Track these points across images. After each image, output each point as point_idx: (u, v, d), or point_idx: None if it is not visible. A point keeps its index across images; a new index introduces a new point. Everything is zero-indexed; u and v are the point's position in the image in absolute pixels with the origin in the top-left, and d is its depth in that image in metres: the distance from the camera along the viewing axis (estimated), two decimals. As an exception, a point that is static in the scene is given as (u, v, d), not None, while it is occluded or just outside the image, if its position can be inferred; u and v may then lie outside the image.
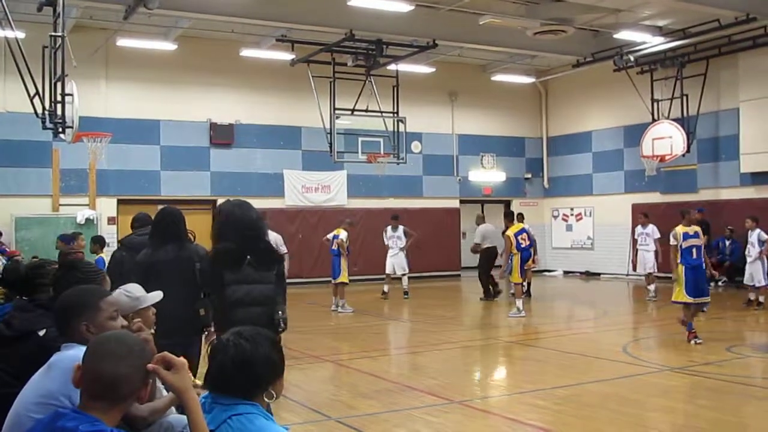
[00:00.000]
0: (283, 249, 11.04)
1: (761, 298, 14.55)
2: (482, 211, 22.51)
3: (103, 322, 3.12)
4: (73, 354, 2.96)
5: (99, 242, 11.59)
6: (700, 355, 10.07)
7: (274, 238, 10.90)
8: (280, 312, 5.44)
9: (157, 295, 4.16)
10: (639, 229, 17.37)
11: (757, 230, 14.56)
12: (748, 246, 14.74)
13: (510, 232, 14.59)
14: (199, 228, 22.97)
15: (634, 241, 17.66)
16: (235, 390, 2.63)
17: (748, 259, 14.69)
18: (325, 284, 16.49)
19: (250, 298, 5.21)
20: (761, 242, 14.41)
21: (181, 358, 2.55)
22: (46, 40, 12.02)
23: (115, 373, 2.35)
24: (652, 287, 16.68)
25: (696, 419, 7.06)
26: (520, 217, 15.52)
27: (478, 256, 17.72)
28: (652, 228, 16.95)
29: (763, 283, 14.40)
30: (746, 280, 14.82)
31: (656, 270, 16.87)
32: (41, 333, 3.63)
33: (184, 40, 19.10)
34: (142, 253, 5.84)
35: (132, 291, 4.01)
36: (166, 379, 2.49)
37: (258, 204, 20.04)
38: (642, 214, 17.84)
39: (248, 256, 5.27)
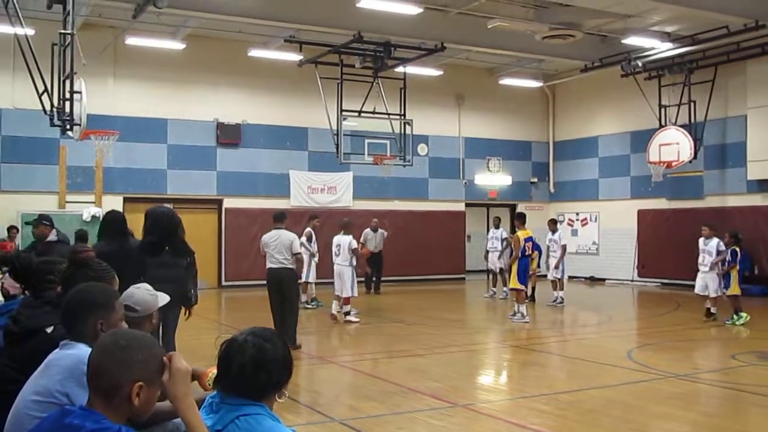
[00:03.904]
0: (299, 248, 11.10)
1: (713, 309, 13.93)
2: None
3: (115, 322, 3.13)
4: (72, 353, 2.97)
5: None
6: (705, 362, 10.06)
7: (293, 237, 10.98)
8: (192, 290, 7.30)
9: (166, 297, 4.20)
10: (549, 235, 17.32)
11: (715, 240, 13.95)
12: (703, 255, 14.01)
13: (521, 235, 14.47)
14: (204, 227, 22.91)
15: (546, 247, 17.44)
16: (252, 390, 2.62)
17: (702, 269, 14.01)
18: (329, 285, 16.46)
19: (164, 277, 6.54)
20: (718, 252, 13.79)
21: (185, 366, 2.51)
22: (56, 37, 12.04)
23: (117, 371, 2.33)
24: (560, 293, 16.80)
25: (699, 427, 7.04)
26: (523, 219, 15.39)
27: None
28: (559, 234, 17.13)
29: (717, 294, 13.82)
30: (699, 289, 14.07)
31: (563, 276, 16.96)
32: (49, 330, 3.63)
33: (193, 40, 19.15)
34: (93, 246, 7.29)
35: (150, 290, 4.02)
36: (164, 382, 2.46)
37: (263, 204, 19.93)
38: (551, 221, 17.83)
39: (166, 247, 6.97)
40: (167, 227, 7.07)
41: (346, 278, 14.26)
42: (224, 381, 2.66)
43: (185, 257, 7.24)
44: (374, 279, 19.27)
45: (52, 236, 9.44)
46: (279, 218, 11.21)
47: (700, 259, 14.11)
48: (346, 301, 14.32)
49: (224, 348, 2.70)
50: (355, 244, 14.52)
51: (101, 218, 7.40)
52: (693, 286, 14.35)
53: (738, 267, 13.96)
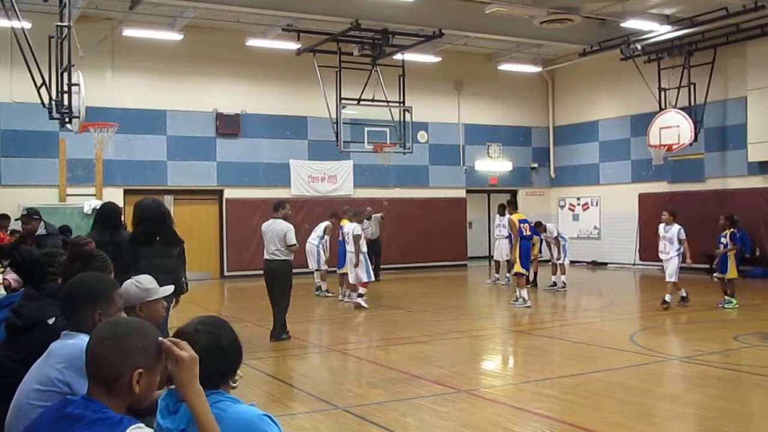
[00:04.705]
0: (293, 240, 10.91)
1: (668, 297, 13.29)
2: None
3: (114, 313, 3.13)
4: (73, 342, 2.97)
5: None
6: (707, 344, 10.07)
7: (286, 228, 10.87)
8: (183, 278, 7.38)
9: (168, 289, 4.17)
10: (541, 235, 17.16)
11: (676, 226, 13.42)
12: (664, 242, 13.51)
13: (514, 218, 14.59)
14: (205, 218, 22.86)
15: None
16: (210, 379, 2.56)
17: (663, 257, 13.53)
18: (331, 274, 16.51)
19: (158, 266, 6.44)
20: (680, 241, 13.28)
21: (190, 353, 2.49)
22: (53, 30, 12.02)
23: (116, 359, 2.32)
24: (562, 278, 16.83)
25: (703, 408, 7.06)
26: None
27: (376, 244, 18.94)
28: (550, 230, 17.11)
29: (672, 279, 13.30)
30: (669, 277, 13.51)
31: (564, 260, 16.97)
32: (51, 321, 3.64)
33: (190, 30, 19.10)
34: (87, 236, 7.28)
35: (142, 282, 3.99)
36: (170, 371, 2.45)
37: (264, 194, 19.86)
38: (501, 205, 17.59)
39: (157, 237, 7.01)
40: (157, 217, 7.15)
41: (352, 264, 14.39)
42: None
43: (176, 246, 7.35)
44: (374, 266, 19.26)
45: (41, 230, 9.44)
46: (275, 208, 11.16)
47: (660, 247, 13.65)
48: (363, 285, 14.46)
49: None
50: (359, 230, 14.55)
51: (97, 209, 7.56)
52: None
53: (736, 250, 13.64)
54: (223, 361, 2.63)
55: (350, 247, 14.51)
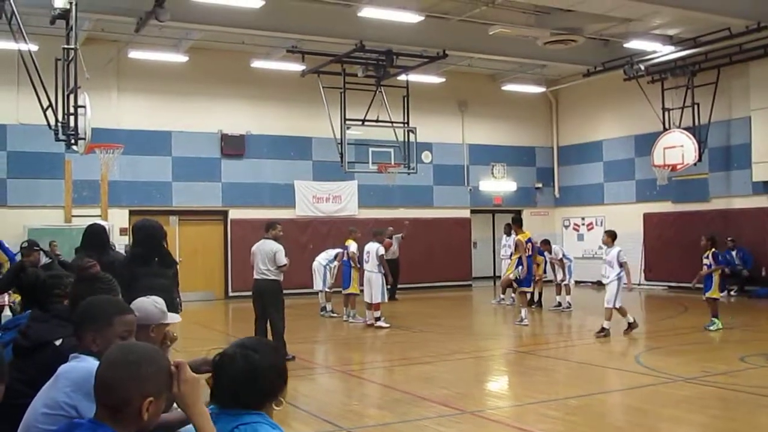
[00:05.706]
0: (283, 261, 10.91)
1: (606, 324, 12.77)
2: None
3: (110, 338, 3.10)
4: (81, 366, 2.97)
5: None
6: (714, 364, 10.02)
7: (276, 248, 10.84)
8: (177, 298, 7.38)
9: (175, 317, 4.18)
10: (546, 255, 17.10)
11: (616, 248, 12.96)
12: (605, 265, 13.09)
13: (522, 238, 14.66)
14: (210, 239, 22.82)
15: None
16: (246, 401, 2.61)
17: (605, 281, 13.08)
18: (336, 294, 16.48)
19: (156, 287, 6.39)
20: (621, 264, 12.76)
21: (193, 375, 2.51)
22: (59, 52, 12.13)
23: (127, 386, 2.32)
24: (567, 298, 16.89)
25: (709, 430, 7.02)
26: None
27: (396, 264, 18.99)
28: (554, 251, 17.13)
29: (615, 305, 12.82)
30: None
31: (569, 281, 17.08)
32: (58, 343, 3.64)
33: (195, 52, 19.22)
34: (73, 259, 7.35)
35: (160, 304, 4.00)
36: (175, 393, 2.47)
37: (268, 214, 19.78)
38: (507, 225, 17.71)
39: (155, 258, 7.00)
40: (157, 239, 7.16)
41: (374, 284, 14.43)
42: (218, 395, 2.65)
43: (171, 267, 7.36)
44: (389, 286, 19.22)
45: (44, 260, 9.40)
46: (266, 228, 11.23)
47: (602, 270, 13.30)
48: (376, 306, 14.45)
49: (216, 362, 2.70)
50: (382, 251, 14.61)
51: (84, 230, 7.53)
52: (696, 290, 14.09)
53: (720, 270, 13.31)
54: (259, 385, 2.65)
55: (369, 266, 14.53)
